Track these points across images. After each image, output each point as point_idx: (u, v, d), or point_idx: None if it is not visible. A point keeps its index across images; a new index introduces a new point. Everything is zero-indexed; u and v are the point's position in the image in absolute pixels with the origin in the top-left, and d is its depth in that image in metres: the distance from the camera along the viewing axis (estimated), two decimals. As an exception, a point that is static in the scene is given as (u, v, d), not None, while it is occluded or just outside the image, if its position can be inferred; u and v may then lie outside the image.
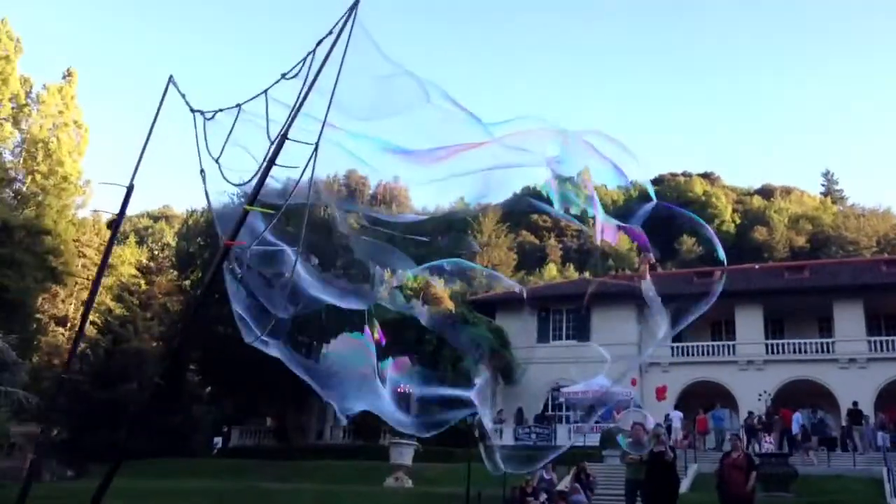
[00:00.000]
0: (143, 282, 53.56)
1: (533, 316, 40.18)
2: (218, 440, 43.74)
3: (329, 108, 5.30)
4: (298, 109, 5.42)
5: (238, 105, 6.21)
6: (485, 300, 45.43)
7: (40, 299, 42.56)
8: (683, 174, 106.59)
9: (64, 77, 48.08)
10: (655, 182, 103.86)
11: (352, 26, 5.32)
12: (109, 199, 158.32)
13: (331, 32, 5.43)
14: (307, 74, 5.43)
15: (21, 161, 44.75)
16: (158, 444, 32.93)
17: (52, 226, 41.00)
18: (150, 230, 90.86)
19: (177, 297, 53.10)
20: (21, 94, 44.93)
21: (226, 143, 6.12)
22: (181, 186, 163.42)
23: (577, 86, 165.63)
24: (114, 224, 6.61)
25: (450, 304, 64.77)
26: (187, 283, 53.04)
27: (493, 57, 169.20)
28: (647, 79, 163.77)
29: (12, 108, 44.23)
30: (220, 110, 6.28)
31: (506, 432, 33.56)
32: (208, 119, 6.31)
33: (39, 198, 42.49)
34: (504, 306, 41.82)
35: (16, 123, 44.77)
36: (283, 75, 5.72)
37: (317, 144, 5.31)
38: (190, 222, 65.33)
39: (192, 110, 6.38)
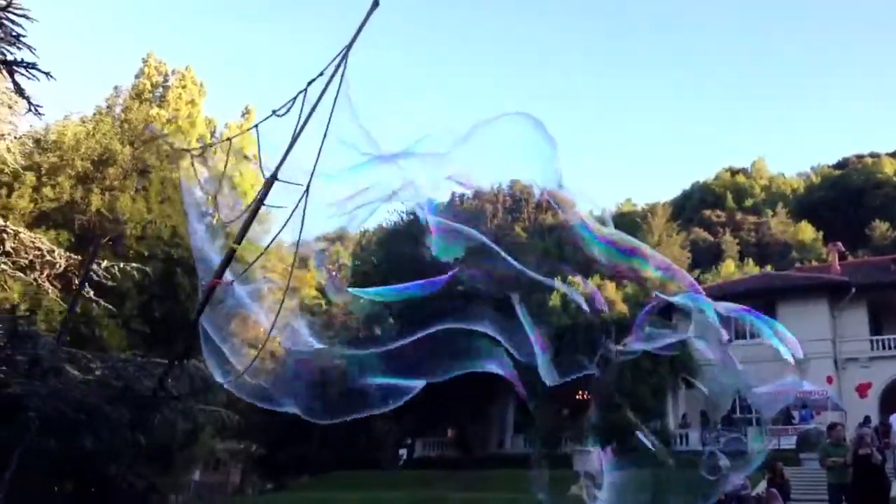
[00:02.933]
0: (323, 302, 56.19)
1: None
2: (403, 452, 44.99)
3: (321, 151, 5.31)
4: (290, 150, 5.45)
5: (229, 139, 6.26)
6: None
7: (233, 323, 45.46)
8: (871, 155, 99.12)
9: (242, 115, 51.42)
10: (839, 166, 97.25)
11: (344, 68, 5.29)
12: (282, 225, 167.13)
13: (321, 73, 5.40)
14: (300, 111, 5.45)
15: (210, 197, 48.12)
16: (348, 456, 34.28)
17: (241, 254, 43.78)
18: (326, 252, 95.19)
19: (356, 316, 55.27)
20: (207, 135, 48.43)
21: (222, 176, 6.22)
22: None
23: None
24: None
25: (623, 308, 63.53)
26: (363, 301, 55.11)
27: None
28: (823, 48, 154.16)
29: (200, 146, 47.68)
30: (210, 145, 6.40)
31: (691, 437, 32.39)
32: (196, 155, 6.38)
33: (227, 229, 45.54)
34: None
35: (204, 162, 48.23)
36: (274, 112, 5.73)
37: (308, 185, 5.32)
38: (363, 242, 68.08)
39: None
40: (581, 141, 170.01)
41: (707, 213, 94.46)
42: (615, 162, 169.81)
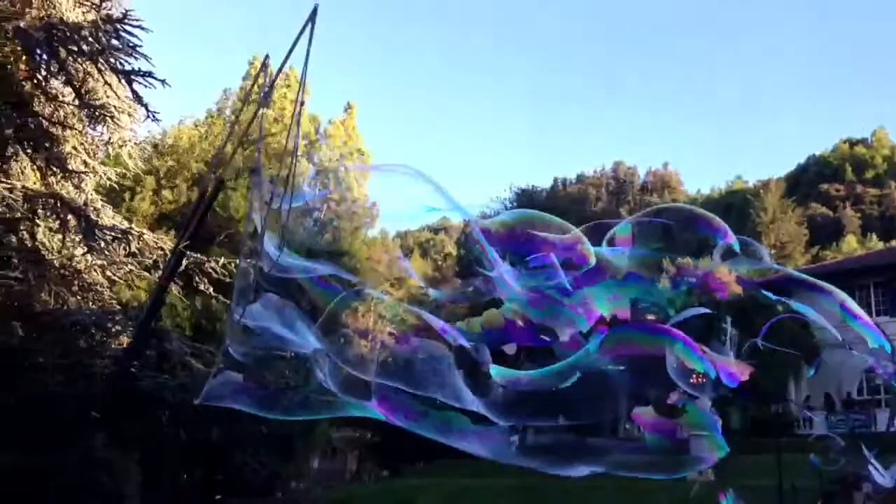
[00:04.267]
0: (430, 292, 56.91)
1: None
2: (515, 438, 45.00)
3: (297, 135, 5.44)
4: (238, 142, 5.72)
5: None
6: (778, 280, 42.56)
7: (344, 314, 46.56)
8: None
9: (345, 110, 52.57)
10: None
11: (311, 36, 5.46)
12: (392, 218, 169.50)
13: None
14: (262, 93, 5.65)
15: (317, 191, 49.56)
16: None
17: (348, 247, 44.82)
18: (431, 242, 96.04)
19: (462, 304, 55.69)
20: (311, 132, 49.77)
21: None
22: (457, 197, 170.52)
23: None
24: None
25: (737, 289, 61.61)
26: (470, 289, 55.49)
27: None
28: None
29: (305, 145, 49.09)
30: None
31: (817, 421, 31.13)
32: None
33: (334, 223, 46.65)
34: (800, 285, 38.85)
35: (309, 159, 49.70)
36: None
37: (288, 177, 5.42)
38: (467, 231, 68.44)
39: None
40: (687, 114, 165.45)
41: (825, 187, 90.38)
42: (725, 137, 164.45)
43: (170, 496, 16.49)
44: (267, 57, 5.92)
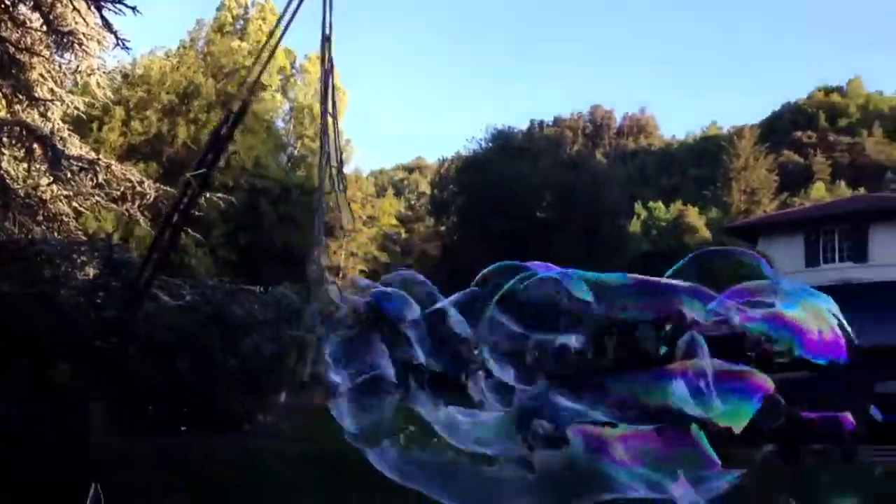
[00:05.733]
0: (402, 230, 56.94)
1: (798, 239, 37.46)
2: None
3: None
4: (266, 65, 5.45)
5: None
6: (744, 226, 43.11)
7: (316, 252, 46.47)
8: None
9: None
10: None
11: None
12: (365, 157, 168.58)
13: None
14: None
15: (291, 127, 49.02)
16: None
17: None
18: (405, 182, 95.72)
19: (434, 243, 55.91)
20: (287, 66, 48.98)
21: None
22: (432, 138, 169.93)
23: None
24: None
25: (705, 233, 62.28)
26: (443, 229, 55.61)
27: None
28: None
29: (280, 80, 48.36)
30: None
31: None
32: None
33: (309, 159, 46.26)
34: (766, 230, 39.37)
35: (284, 93, 49.01)
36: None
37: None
38: (442, 171, 68.16)
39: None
40: (665, 59, 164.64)
41: (798, 134, 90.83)
42: (701, 83, 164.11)
43: (135, 429, 16.62)
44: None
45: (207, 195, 18.23)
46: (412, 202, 66.98)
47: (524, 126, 71.39)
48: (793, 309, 2.57)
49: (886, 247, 34.69)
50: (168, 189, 17.36)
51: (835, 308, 2.85)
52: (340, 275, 52.50)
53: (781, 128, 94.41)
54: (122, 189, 15.38)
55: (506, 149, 52.36)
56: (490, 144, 55.20)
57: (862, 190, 60.82)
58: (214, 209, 22.96)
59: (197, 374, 14.44)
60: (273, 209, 38.05)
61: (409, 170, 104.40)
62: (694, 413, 2.75)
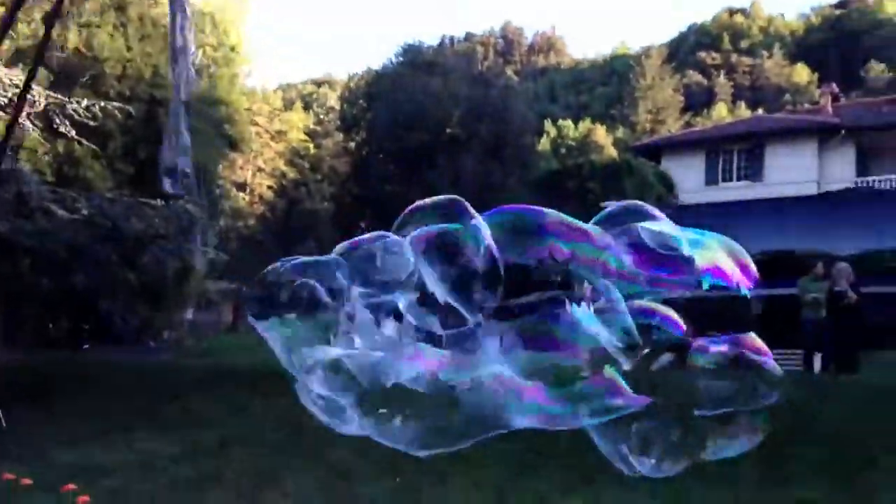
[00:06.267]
0: (311, 146, 55.84)
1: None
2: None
3: None
4: None
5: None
6: (649, 145, 44.05)
7: (221, 167, 45.23)
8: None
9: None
10: (840, 5, 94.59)
11: None
12: (272, 68, 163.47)
13: None
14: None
15: (191, 36, 46.78)
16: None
17: (226, 96, 42.99)
18: (314, 95, 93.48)
19: (344, 159, 55.13)
20: (185, -31, 46.41)
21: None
22: (341, 51, 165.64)
23: None
24: None
25: (612, 152, 63.44)
26: (353, 145, 54.80)
27: None
28: None
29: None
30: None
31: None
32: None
33: (211, 69, 44.45)
34: (669, 150, 40.36)
35: (182, -1, 46.53)
36: None
37: None
38: (352, 85, 66.73)
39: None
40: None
41: (703, 55, 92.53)
42: (611, 2, 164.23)
43: (34, 346, 16.12)
44: None
45: (103, 104, 17.43)
46: (321, 117, 65.43)
47: (436, 42, 70.40)
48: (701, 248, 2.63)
49: (782, 167, 36.18)
50: (59, 97, 16.47)
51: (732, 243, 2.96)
52: (248, 190, 51.39)
53: (687, 48, 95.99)
54: (9, 95, 14.49)
55: (416, 64, 51.55)
56: (400, 59, 54.25)
57: (761, 111, 62.75)
58: (111, 119, 21.95)
59: (96, 289, 14.01)
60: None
61: (319, 84, 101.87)
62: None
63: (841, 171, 36.63)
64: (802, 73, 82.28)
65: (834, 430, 7.98)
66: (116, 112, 18.33)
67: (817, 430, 8.00)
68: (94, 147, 19.42)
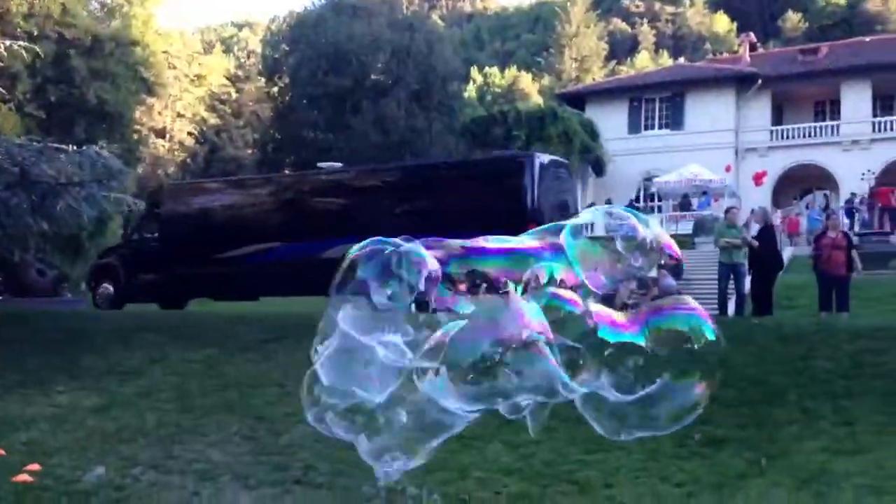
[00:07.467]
0: (232, 91, 54.30)
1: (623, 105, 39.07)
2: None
3: None
4: None
5: None
6: (574, 93, 44.33)
7: (138, 112, 43.69)
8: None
9: None
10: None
11: None
12: (190, 9, 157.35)
13: None
14: None
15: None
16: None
17: (140, 37, 41.28)
18: (235, 38, 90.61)
19: (266, 105, 53.87)
20: None
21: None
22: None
23: None
24: None
25: (538, 99, 63.61)
26: (275, 90, 53.56)
27: None
28: None
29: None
30: None
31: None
32: None
33: (125, 9, 42.58)
34: (594, 98, 40.71)
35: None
36: None
37: None
38: (273, 29, 64.88)
39: None
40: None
41: (626, 3, 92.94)
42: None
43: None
44: None
45: (8, 43, 16.58)
46: (242, 61, 63.59)
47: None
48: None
49: (701, 115, 36.97)
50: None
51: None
52: (167, 137, 49.80)
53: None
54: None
55: (340, 7, 50.42)
56: (323, 2, 52.97)
57: (682, 60, 63.66)
58: (18, 60, 20.92)
59: (7, 240, 13.49)
60: (84, 62, 35.07)
61: (239, 27, 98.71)
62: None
63: (757, 120, 37.67)
64: (722, 22, 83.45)
65: (743, 371, 8.30)
66: (24, 52, 17.49)
67: (728, 371, 8.30)
68: (1, 90, 18.50)
